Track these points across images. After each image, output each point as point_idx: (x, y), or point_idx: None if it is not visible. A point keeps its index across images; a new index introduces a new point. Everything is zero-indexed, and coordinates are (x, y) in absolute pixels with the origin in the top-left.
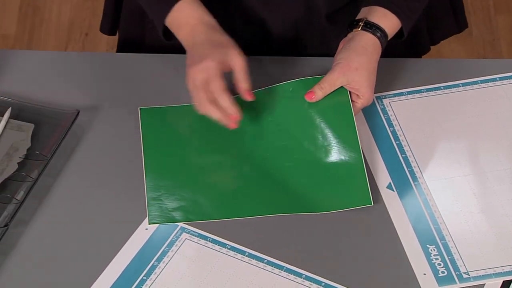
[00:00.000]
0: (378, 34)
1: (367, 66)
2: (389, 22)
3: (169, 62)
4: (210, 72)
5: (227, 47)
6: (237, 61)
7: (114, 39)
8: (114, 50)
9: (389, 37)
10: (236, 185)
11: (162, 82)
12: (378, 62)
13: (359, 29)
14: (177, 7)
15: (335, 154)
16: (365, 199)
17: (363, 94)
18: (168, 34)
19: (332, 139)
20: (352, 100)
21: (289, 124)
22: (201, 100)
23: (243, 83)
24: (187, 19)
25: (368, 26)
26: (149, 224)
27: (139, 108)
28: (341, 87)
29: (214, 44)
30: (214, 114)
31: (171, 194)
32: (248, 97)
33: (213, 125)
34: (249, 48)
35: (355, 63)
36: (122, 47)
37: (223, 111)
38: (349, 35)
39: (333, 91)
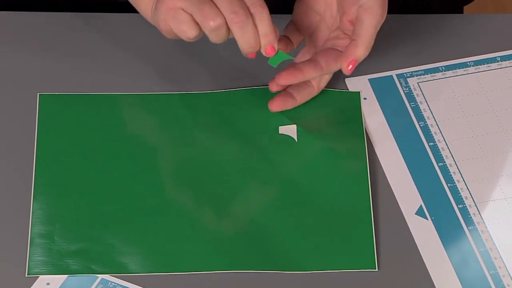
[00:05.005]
0: None
1: None
2: None
3: (86, 23)
4: None
5: None
6: None
7: None
8: None
9: None
10: (182, 220)
11: (76, 54)
12: (398, 21)
13: None
14: None
15: (331, 192)
16: (368, 261)
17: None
18: None
19: (331, 170)
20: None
21: (267, 145)
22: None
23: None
24: None
25: None
26: (27, 275)
27: (38, 94)
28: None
29: None
30: (247, 36)
31: (70, 230)
32: (271, 52)
33: (146, 120)
34: None
35: None
36: (6, 1)
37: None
38: None
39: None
